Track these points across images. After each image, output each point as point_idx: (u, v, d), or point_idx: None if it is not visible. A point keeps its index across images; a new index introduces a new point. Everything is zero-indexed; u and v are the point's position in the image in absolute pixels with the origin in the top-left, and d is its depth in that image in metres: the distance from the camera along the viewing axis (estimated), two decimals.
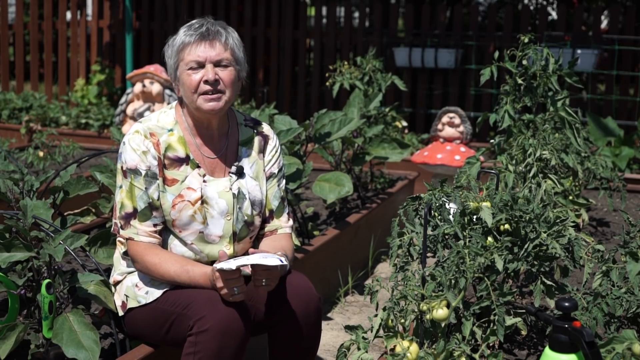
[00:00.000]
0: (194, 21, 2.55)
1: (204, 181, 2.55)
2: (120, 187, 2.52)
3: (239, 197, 2.58)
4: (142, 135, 2.51)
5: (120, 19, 8.40)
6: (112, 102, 8.16)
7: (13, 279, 2.56)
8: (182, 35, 2.51)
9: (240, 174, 2.61)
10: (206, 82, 2.47)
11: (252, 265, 2.34)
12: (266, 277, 2.35)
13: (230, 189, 2.57)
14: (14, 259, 2.49)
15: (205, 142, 2.59)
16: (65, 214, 3.11)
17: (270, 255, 2.35)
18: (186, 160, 2.55)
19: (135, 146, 2.49)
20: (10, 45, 9.19)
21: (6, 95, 7.69)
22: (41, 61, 8.66)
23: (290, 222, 2.72)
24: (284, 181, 2.74)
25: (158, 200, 2.51)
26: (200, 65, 2.48)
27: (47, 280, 2.47)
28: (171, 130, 2.55)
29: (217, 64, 2.49)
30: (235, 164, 2.61)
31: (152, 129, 2.53)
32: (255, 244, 2.70)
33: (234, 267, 2.27)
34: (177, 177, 2.53)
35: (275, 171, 2.69)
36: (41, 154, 5.35)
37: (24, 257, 2.51)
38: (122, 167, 2.52)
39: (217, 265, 2.32)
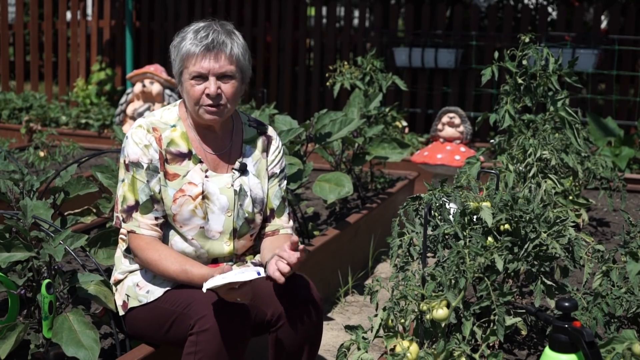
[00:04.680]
0: (200, 25, 2.52)
1: (206, 176, 2.56)
2: (123, 180, 2.53)
3: (240, 194, 2.59)
4: (144, 129, 2.53)
5: (121, 19, 8.41)
6: (112, 102, 8.16)
7: (13, 279, 2.56)
8: (189, 43, 2.48)
9: (243, 171, 2.62)
10: (208, 95, 2.48)
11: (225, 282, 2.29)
12: (240, 294, 2.32)
13: (232, 185, 2.59)
14: (14, 259, 2.49)
15: (208, 139, 2.60)
16: (66, 213, 3.11)
17: (249, 269, 2.33)
18: (188, 155, 2.56)
19: (138, 140, 2.51)
20: (10, 45, 9.18)
21: (6, 95, 7.69)
22: (41, 61, 8.66)
23: (291, 222, 2.74)
24: (285, 182, 2.75)
25: (159, 193, 2.52)
26: (204, 77, 2.48)
27: (47, 280, 2.47)
28: (174, 126, 2.58)
29: (220, 76, 2.48)
30: (239, 160, 2.63)
31: (155, 124, 2.55)
32: (257, 243, 2.70)
33: (220, 284, 2.25)
34: (178, 172, 2.54)
35: (277, 171, 2.71)
36: (42, 154, 5.35)
37: (24, 257, 2.51)
38: (124, 161, 2.53)
39: (204, 289, 2.29)
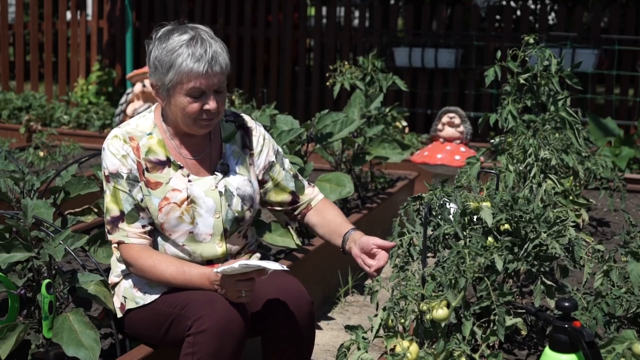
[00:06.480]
0: (186, 37, 2.44)
1: (189, 181, 2.54)
2: (105, 192, 2.52)
3: (226, 194, 2.56)
4: (121, 139, 2.50)
5: (120, 19, 8.41)
6: (112, 102, 8.16)
7: (13, 279, 2.56)
8: (189, 60, 2.40)
9: (225, 172, 2.60)
10: (208, 111, 2.45)
11: (246, 269, 2.32)
12: (246, 287, 2.34)
13: (216, 187, 2.56)
14: (14, 259, 2.49)
15: (186, 144, 2.57)
16: (66, 212, 3.11)
17: (272, 262, 2.34)
18: (167, 162, 2.53)
19: (115, 151, 2.49)
20: (10, 45, 9.18)
21: (6, 95, 7.69)
22: (41, 61, 8.66)
23: (316, 189, 2.77)
24: (287, 161, 2.74)
25: (142, 202, 2.50)
26: (202, 93, 2.44)
27: (47, 280, 2.47)
28: (150, 133, 2.54)
29: (216, 90, 2.47)
30: (220, 162, 2.60)
31: (131, 133, 2.52)
32: (250, 241, 2.69)
33: (236, 266, 2.27)
34: (160, 180, 2.51)
35: (273, 158, 2.69)
36: (41, 153, 5.34)
37: (24, 257, 2.51)
38: (104, 173, 2.51)
39: (219, 269, 2.32)
